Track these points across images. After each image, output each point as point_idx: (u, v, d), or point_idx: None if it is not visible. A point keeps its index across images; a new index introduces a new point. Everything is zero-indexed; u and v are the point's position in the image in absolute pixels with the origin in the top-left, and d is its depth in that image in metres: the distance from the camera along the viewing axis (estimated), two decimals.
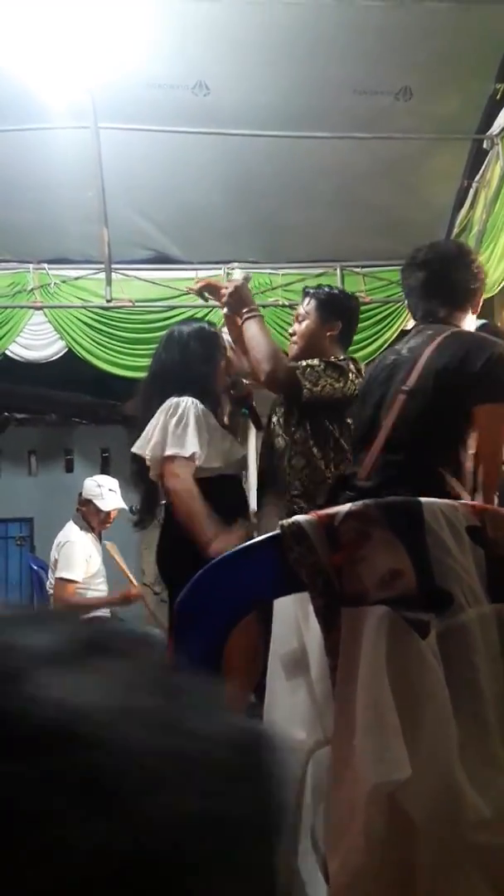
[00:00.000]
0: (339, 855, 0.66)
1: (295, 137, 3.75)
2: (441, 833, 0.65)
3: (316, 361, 2.44)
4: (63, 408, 5.47)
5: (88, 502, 4.03)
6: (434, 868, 0.65)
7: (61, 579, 3.79)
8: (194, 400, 2.41)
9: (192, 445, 2.34)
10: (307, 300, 2.63)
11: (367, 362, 4.42)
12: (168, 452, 2.33)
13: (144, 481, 2.52)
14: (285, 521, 0.76)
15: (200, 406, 2.41)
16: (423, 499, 0.79)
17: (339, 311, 2.63)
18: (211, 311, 4.24)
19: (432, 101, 3.68)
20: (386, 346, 4.37)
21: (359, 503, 0.77)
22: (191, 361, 2.48)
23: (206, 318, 4.17)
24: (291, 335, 2.63)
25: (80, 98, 3.53)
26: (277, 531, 0.75)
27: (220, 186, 4.00)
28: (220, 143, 3.78)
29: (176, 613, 0.74)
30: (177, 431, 2.35)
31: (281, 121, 3.70)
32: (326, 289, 2.76)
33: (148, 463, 2.41)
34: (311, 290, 2.72)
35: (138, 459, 2.51)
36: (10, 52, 3.29)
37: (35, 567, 4.02)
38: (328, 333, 2.58)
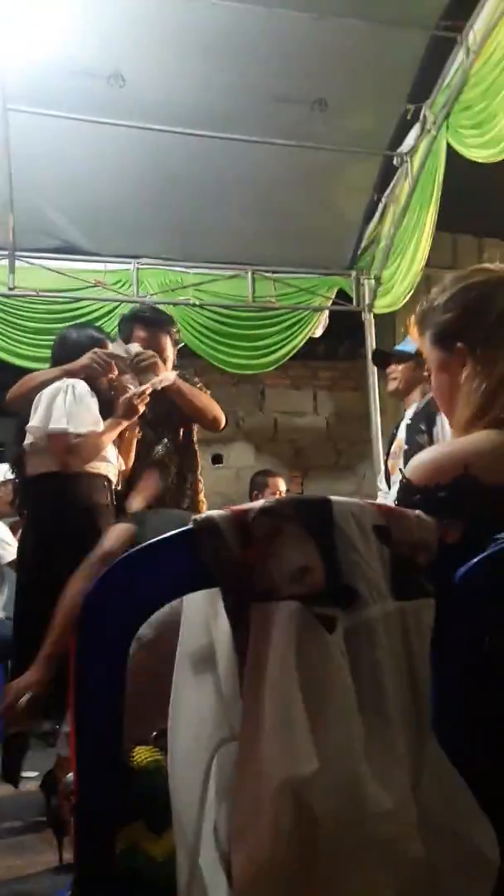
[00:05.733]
0: (244, 850, 0.66)
1: (209, 137, 3.74)
2: (343, 824, 0.66)
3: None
4: None
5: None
6: (335, 857, 0.66)
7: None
8: (85, 385, 2.42)
9: (91, 425, 2.35)
10: (167, 338, 2.72)
11: (274, 367, 4.50)
12: (71, 429, 2.30)
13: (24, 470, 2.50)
14: (198, 517, 0.75)
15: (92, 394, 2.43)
16: (332, 497, 0.80)
17: None
18: (118, 305, 4.17)
19: (346, 115, 3.76)
20: (293, 351, 4.44)
21: (272, 499, 0.77)
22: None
23: (111, 313, 4.12)
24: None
25: None
26: (190, 526, 0.75)
27: (133, 181, 3.94)
28: (134, 137, 3.73)
29: (84, 606, 0.72)
30: (76, 410, 2.33)
31: (198, 120, 3.68)
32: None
33: (36, 439, 2.37)
34: (172, 330, 2.79)
35: (20, 449, 2.48)
36: None
37: None
38: None
